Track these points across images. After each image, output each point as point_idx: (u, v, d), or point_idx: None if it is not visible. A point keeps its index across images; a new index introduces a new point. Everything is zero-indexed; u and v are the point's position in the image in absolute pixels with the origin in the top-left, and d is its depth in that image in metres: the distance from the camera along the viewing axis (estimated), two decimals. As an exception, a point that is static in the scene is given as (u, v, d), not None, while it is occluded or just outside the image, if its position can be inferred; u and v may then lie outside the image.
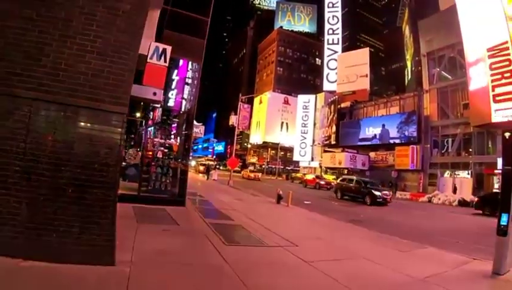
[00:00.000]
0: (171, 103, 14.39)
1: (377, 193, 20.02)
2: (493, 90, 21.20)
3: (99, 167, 4.75)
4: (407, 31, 44.74)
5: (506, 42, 20.50)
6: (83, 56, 5.05)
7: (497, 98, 20.94)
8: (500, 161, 20.59)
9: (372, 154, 39.71)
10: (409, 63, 46.56)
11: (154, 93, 8.91)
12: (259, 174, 45.32)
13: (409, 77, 46.19)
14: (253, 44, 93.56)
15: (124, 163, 12.21)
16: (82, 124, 4.93)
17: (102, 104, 5.10)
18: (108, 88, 5.27)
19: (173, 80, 15.30)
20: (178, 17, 12.22)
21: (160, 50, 9.05)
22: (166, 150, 13.82)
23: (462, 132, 27.57)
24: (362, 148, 40.37)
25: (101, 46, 5.29)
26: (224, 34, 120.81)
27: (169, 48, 9.14)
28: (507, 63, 20.38)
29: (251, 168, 59.28)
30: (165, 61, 9.03)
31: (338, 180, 25.29)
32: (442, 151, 29.75)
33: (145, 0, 6.41)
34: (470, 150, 27.59)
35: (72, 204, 4.45)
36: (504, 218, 5.79)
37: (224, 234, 7.13)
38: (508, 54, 20.42)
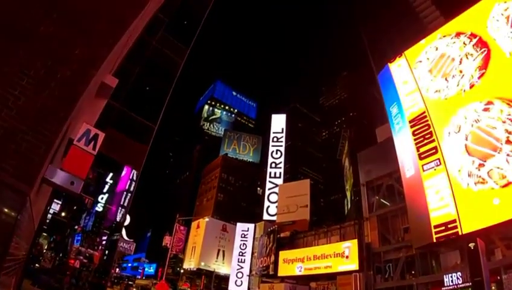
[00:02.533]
0: (99, 208, 12.86)
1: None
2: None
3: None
4: (347, 162, 47.57)
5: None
6: (-1, 110, 4.00)
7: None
8: (446, 279, 20.86)
9: (313, 284, 37.81)
10: (348, 193, 48.40)
11: (72, 183, 7.21)
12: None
13: (349, 206, 47.54)
14: (197, 167, 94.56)
15: (37, 265, 10.05)
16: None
17: (2, 173, 3.87)
18: (16, 158, 4.10)
19: (107, 183, 13.97)
20: (124, 117, 11.68)
21: (92, 135, 7.83)
22: (85, 261, 11.73)
23: (404, 255, 27.32)
24: (302, 278, 38.56)
25: (24, 106, 4.30)
26: (170, 154, 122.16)
27: (102, 135, 7.99)
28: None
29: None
30: (94, 149, 7.75)
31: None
32: (386, 277, 28.86)
33: (89, 73, 5.70)
34: (413, 272, 27.01)
35: None
36: None
37: None
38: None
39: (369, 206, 33.08)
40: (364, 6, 64.70)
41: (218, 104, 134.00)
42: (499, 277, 19.12)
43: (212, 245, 65.93)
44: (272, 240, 47.37)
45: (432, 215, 22.42)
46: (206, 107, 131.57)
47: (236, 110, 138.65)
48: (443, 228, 21.31)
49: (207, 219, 66.38)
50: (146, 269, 79.51)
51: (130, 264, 77.94)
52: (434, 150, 23.92)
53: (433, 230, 21.82)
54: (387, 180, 31.77)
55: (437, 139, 24.02)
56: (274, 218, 51.92)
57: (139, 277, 71.54)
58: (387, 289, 28.75)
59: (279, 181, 60.14)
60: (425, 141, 24.99)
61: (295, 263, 39.12)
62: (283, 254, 41.79)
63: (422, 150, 25.02)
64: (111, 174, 12.91)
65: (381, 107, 34.71)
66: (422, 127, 25.83)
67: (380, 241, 31.09)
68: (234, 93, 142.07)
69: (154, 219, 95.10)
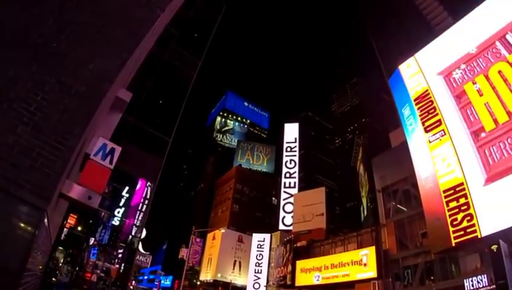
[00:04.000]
0: (115, 222, 12.86)
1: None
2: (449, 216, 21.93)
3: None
4: (361, 169, 47.06)
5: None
6: (15, 126, 4.02)
7: (454, 223, 21.43)
8: (466, 283, 20.48)
9: (331, 293, 37.44)
10: (364, 200, 47.74)
11: (90, 197, 7.03)
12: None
13: (365, 213, 46.87)
14: (211, 179, 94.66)
15: (54, 279, 10.08)
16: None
17: (20, 189, 3.88)
18: (33, 173, 4.12)
19: (123, 196, 14.02)
20: (139, 130, 11.74)
21: (108, 149, 7.78)
22: (102, 275, 11.72)
23: (423, 261, 26.88)
24: (320, 287, 38.11)
25: (40, 121, 4.34)
26: (184, 166, 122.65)
27: (118, 149, 7.96)
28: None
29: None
30: (111, 163, 7.68)
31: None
32: (405, 283, 28.37)
33: (103, 88, 5.75)
34: (432, 277, 26.54)
35: None
36: None
37: None
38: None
39: (386, 212, 32.66)
40: (372, 13, 64.68)
41: (230, 116, 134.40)
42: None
43: (229, 256, 65.70)
44: (289, 249, 46.99)
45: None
46: (219, 118, 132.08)
47: (248, 121, 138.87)
48: (461, 232, 20.86)
49: (223, 230, 66.15)
50: (162, 282, 79.48)
51: (146, 277, 78.10)
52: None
53: (452, 235, 21.41)
54: (403, 185, 31.36)
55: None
56: (290, 228, 51.52)
57: (156, 289, 71.53)
58: (407, 296, 28.24)
59: (294, 191, 59.77)
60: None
61: (312, 272, 38.71)
62: (300, 264, 41.40)
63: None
64: (127, 188, 12.94)
65: (394, 112, 34.45)
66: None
67: (397, 247, 30.58)
68: (246, 103, 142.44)
69: (169, 232, 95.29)
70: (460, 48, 26.26)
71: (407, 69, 31.61)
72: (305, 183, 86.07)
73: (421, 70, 29.42)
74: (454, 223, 21.54)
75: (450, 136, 24.24)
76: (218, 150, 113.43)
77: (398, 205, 32.04)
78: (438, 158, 24.73)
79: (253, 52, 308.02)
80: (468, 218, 20.72)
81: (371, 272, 31.61)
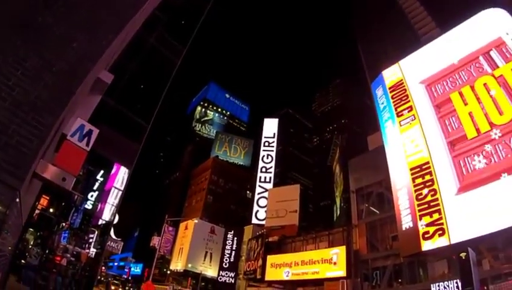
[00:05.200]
0: (88, 206, 12.56)
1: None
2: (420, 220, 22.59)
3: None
4: (337, 169, 47.62)
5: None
6: (-8, 100, 3.85)
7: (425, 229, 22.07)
8: (433, 288, 21.55)
9: (299, 289, 37.90)
10: (338, 200, 48.39)
11: (64, 179, 6.85)
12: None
13: (338, 213, 47.53)
14: (187, 168, 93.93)
15: (23, 261, 9.76)
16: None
17: (-8, 167, 3.72)
18: (8, 151, 3.95)
19: (97, 180, 13.70)
20: (117, 114, 11.48)
21: (86, 130, 7.59)
22: (72, 259, 11.44)
23: (392, 263, 27.51)
24: (290, 283, 38.52)
25: (18, 97, 4.15)
26: (161, 154, 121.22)
27: (96, 131, 7.74)
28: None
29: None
30: (87, 145, 7.52)
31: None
32: (373, 284, 29.06)
33: (86, 68, 5.57)
34: (400, 280, 27.25)
35: None
36: None
37: None
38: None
39: (359, 214, 33.21)
40: (361, 17, 65.26)
41: (211, 106, 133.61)
42: (486, 288, 19.33)
43: (200, 247, 65.37)
44: (260, 244, 47.24)
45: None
46: (199, 108, 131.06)
47: (228, 113, 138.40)
48: (431, 237, 21.42)
49: (196, 221, 65.91)
50: (132, 269, 78.60)
51: (116, 263, 77.03)
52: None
53: (422, 240, 21.96)
54: (377, 188, 31.94)
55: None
56: (262, 222, 51.80)
57: (125, 277, 70.72)
58: (375, 297, 28.88)
59: (269, 186, 60.04)
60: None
61: (283, 267, 38.98)
62: (271, 259, 41.63)
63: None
64: (102, 172, 12.65)
65: (374, 115, 34.88)
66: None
67: (368, 248, 31.18)
68: (227, 95, 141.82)
69: (142, 219, 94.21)
70: (445, 59, 26.82)
71: (390, 74, 32.04)
72: (280, 179, 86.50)
73: (404, 77, 29.98)
74: (425, 229, 22.05)
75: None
76: (196, 139, 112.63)
77: (371, 207, 32.64)
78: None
79: (239, 45, 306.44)
80: (439, 222, 21.35)
81: (340, 271, 32.12)
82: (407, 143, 26.49)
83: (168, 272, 68.90)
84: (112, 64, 10.73)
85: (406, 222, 23.72)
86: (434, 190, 22.48)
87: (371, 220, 31.79)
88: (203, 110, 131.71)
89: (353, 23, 70.39)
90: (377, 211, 31.80)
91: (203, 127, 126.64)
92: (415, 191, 23.79)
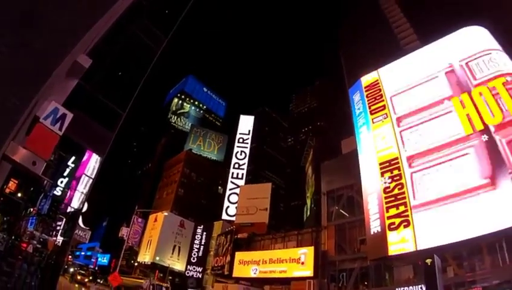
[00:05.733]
0: (57, 192, 12.13)
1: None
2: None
3: None
4: (310, 170, 48.16)
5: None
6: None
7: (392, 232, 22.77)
8: None
9: (267, 287, 38.13)
10: (308, 201, 48.93)
11: (34, 163, 6.54)
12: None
13: (308, 213, 48.08)
14: (160, 160, 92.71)
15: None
16: None
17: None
18: (-24, 130, 3.76)
19: (68, 166, 13.27)
20: (92, 100, 11.14)
21: (60, 114, 7.34)
22: (39, 246, 11.00)
23: (359, 266, 28.04)
24: (257, 280, 38.67)
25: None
26: (134, 144, 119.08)
27: (70, 116, 7.52)
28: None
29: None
30: (60, 129, 7.33)
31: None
32: (340, 285, 29.62)
33: (64, 50, 5.37)
34: (366, 283, 27.82)
35: None
36: None
37: None
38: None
39: (328, 215, 33.64)
40: (345, 24, 66.12)
41: (188, 99, 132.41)
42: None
43: (169, 240, 64.61)
44: (229, 240, 47.19)
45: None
46: (176, 100, 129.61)
47: (205, 107, 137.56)
48: (399, 243, 21.96)
49: (165, 213, 65.09)
50: (99, 259, 76.96)
51: (83, 253, 75.19)
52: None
53: (389, 245, 22.45)
54: (348, 191, 32.45)
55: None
56: (233, 219, 51.84)
57: (92, 267, 69.12)
58: (340, 298, 29.38)
59: (241, 182, 60.08)
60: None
61: (251, 265, 39.09)
62: (239, 255, 41.67)
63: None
64: (73, 158, 12.27)
65: (349, 120, 35.34)
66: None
67: (336, 250, 31.65)
68: (205, 89, 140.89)
69: (112, 208, 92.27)
70: (422, 71, 27.77)
71: (368, 81, 32.58)
72: (253, 177, 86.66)
73: (380, 78, 31.19)
74: (392, 233, 22.59)
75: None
76: (171, 131, 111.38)
77: (341, 210, 33.16)
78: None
79: (221, 41, 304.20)
80: (405, 214, 22.36)
81: (307, 271, 32.47)
82: (378, 140, 27.74)
83: (136, 264, 67.83)
84: (92, 48, 10.40)
85: (375, 227, 24.25)
86: (401, 183, 23.57)
87: (340, 223, 32.28)
88: (180, 102, 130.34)
89: (338, 31, 71.07)
90: (347, 214, 32.32)
91: (179, 119, 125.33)
92: (383, 184, 24.88)
